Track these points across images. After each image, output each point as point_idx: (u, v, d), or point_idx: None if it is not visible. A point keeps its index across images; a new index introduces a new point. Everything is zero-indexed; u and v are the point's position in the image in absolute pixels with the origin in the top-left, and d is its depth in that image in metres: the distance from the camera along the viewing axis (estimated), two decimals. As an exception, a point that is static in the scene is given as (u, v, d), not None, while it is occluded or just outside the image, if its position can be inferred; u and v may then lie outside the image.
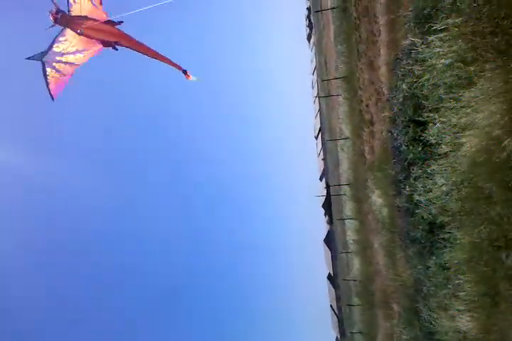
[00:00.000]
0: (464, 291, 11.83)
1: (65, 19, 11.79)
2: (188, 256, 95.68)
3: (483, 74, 10.13)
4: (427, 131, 12.13)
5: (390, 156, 16.50)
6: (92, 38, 12.29)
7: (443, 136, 11.42)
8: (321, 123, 45.86)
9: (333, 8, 25.85)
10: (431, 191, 12.22)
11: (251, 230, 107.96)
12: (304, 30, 67.71)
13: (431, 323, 13.88)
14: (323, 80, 33.64)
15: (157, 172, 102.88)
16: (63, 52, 11.92)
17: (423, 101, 12.34)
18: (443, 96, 11.37)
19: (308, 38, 62.90)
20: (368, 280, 23.16)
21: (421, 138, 12.49)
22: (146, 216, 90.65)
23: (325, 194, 39.22)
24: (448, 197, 11.64)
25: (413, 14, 13.27)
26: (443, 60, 11.28)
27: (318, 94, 42.24)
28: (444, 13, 11.42)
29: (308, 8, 60.26)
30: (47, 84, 11.69)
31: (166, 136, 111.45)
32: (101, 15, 12.41)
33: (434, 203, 12.33)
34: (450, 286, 12.55)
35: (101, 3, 12.42)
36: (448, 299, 12.60)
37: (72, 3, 11.97)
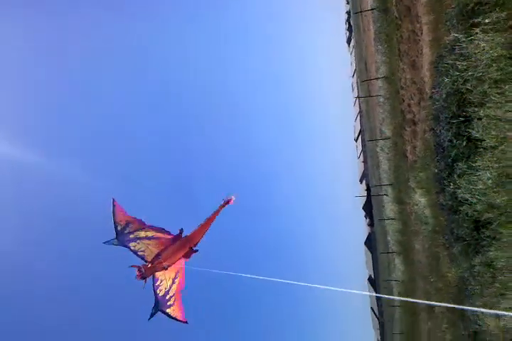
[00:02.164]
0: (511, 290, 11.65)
1: (148, 269, 12.49)
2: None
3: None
4: (471, 126, 12.03)
5: (432, 154, 16.37)
6: (176, 262, 13.01)
7: (488, 130, 11.32)
8: (361, 124, 45.59)
9: (373, 9, 25.76)
10: (476, 186, 12.09)
11: (290, 231, 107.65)
12: (344, 34, 67.63)
13: (476, 323, 13.67)
14: (362, 81, 33.49)
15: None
16: (167, 290, 12.78)
17: (467, 97, 12.25)
18: (488, 90, 11.29)
19: (348, 41, 62.76)
20: (410, 281, 22.87)
21: (465, 133, 12.39)
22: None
23: (365, 195, 38.89)
24: (494, 192, 11.50)
25: (456, 11, 13.19)
26: (488, 55, 11.22)
27: (358, 95, 41.97)
28: (487, 8, 11.37)
29: (348, 12, 60.16)
30: (176, 319, 12.46)
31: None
32: (165, 238, 13.17)
33: (479, 199, 12.19)
34: (497, 285, 12.35)
35: (156, 229, 13.22)
36: (494, 297, 12.39)
37: (143, 253, 12.80)
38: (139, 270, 12.33)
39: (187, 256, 13.09)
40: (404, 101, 21.48)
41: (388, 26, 23.11)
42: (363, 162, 46.67)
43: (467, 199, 12.64)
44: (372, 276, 41.08)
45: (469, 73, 12.03)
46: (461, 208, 13.29)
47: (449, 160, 13.54)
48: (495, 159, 11.31)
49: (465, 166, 12.52)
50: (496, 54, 10.99)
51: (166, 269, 12.69)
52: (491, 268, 12.42)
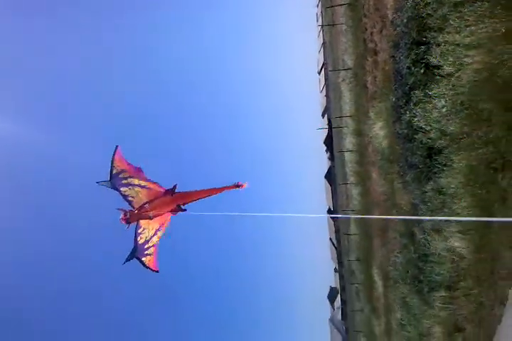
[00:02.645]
0: (459, 214, 12.04)
1: (134, 215, 12.62)
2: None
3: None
4: (429, 53, 11.85)
5: (391, 84, 16.26)
6: (162, 214, 13.14)
7: (446, 56, 11.18)
8: (324, 56, 44.81)
9: (343, 4, 24.47)
10: (430, 114, 12.13)
11: (252, 167, 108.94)
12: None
13: (425, 245, 14.27)
14: (326, 7, 32.47)
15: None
16: (147, 239, 12.93)
17: (427, 21, 11.97)
18: (447, 14, 11.02)
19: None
20: (367, 210, 23.57)
21: (424, 60, 12.22)
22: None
23: (326, 128, 39.05)
24: (447, 120, 11.58)
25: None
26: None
27: (322, 24, 40.88)
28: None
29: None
30: (147, 267, 12.71)
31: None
32: (157, 190, 13.32)
33: (433, 127, 12.29)
34: (446, 210, 12.74)
35: (151, 181, 13.37)
36: (443, 220, 12.82)
37: (132, 199, 12.91)
38: (125, 214, 12.61)
39: (174, 211, 13.40)
40: (367, 29, 20.98)
41: (356, 17, 22.15)
42: (326, 96, 46.38)
43: (422, 127, 12.73)
44: (331, 208, 42.22)
45: (430, -4, 11.70)
46: (415, 136, 13.41)
47: (407, 88, 13.47)
48: (451, 86, 11.26)
49: (422, 94, 12.48)
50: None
51: (151, 219, 13.00)
52: (441, 195, 12.77)
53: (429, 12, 11.72)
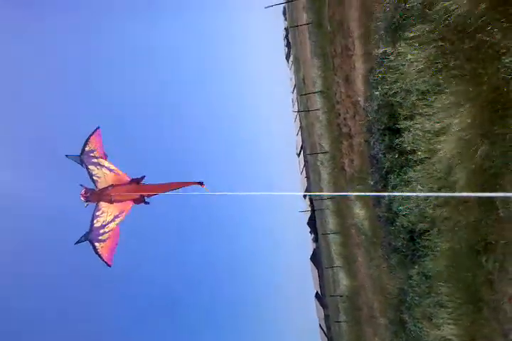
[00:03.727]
0: (448, 299, 11.67)
1: (95, 195, 12.75)
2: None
3: (453, 79, 10.20)
4: (402, 139, 12.12)
5: (368, 167, 16.49)
6: (123, 201, 13.28)
7: (418, 142, 11.41)
8: (302, 139, 45.99)
9: (308, 23, 26.12)
10: (409, 198, 12.14)
11: (238, 248, 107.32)
12: (283, 50, 68.56)
13: (417, 333, 13.66)
14: (301, 95, 33.86)
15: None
16: (104, 224, 12.88)
17: (397, 109, 12.37)
18: (416, 102, 11.41)
19: (287, 57, 63.57)
20: (354, 295, 22.88)
21: (397, 145, 12.48)
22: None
23: (309, 210, 39.02)
24: (426, 204, 11.57)
25: (383, 24, 13.42)
26: (414, 67, 11.36)
27: (298, 110, 42.45)
28: (412, 21, 11.55)
29: (286, 29, 61.14)
30: (100, 256, 12.48)
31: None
32: (124, 179, 13.53)
33: (412, 211, 12.26)
34: (433, 295, 12.38)
35: (119, 169, 13.67)
36: (432, 308, 12.41)
37: (97, 179, 13.08)
38: (86, 191, 12.58)
39: (137, 202, 13.34)
40: (340, 115, 21.70)
41: (323, 41, 23.47)
42: (306, 177, 46.98)
43: (401, 211, 12.70)
44: (319, 292, 41.07)
45: (398, 85, 12.16)
46: (396, 219, 13.34)
47: (383, 172, 13.62)
48: (426, 171, 11.38)
49: (398, 178, 12.59)
50: (422, 66, 11.13)
51: (112, 203, 12.90)
52: (427, 279, 12.46)
53: (398, 100, 12.13)
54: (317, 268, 41.67)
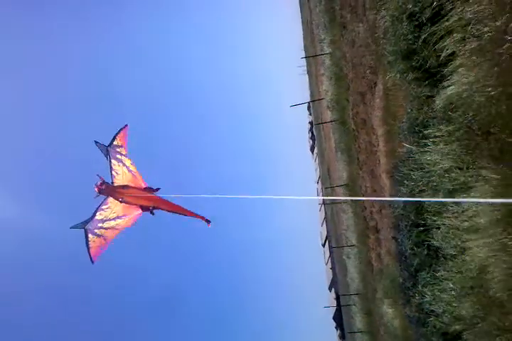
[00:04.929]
0: None
1: (108, 189, 12.87)
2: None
3: (480, 178, 10.33)
4: (430, 235, 12.04)
5: (396, 262, 16.18)
6: (132, 204, 13.31)
7: (447, 239, 11.31)
8: (327, 230, 45.69)
9: (332, 121, 27.18)
10: (440, 297, 11.77)
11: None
12: (307, 142, 70.63)
13: None
14: (326, 188, 34.22)
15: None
16: (105, 219, 12.90)
17: (424, 205, 12.43)
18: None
19: (312, 149, 65.27)
20: None
21: (425, 242, 12.36)
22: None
23: (335, 305, 37.70)
24: (459, 303, 11.17)
25: (407, 124, 13.92)
26: (439, 166, 11.59)
27: (323, 201, 42.72)
28: (436, 121, 12.00)
29: (311, 122, 63.50)
30: (88, 249, 12.35)
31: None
32: (140, 184, 13.66)
33: (445, 311, 11.80)
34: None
35: (139, 173, 13.88)
36: None
37: (115, 175, 13.23)
38: (102, 183, 12.49)
39: (144, 209, 13.18)
40: (366, 208, 21.78)
41: (347, 137, 24.23)
42: (331, 268, 46.01)
43: (433, 311, 12.24)
44: None
45: (424, 182, 12.33)
46: (428, 320, 12.81)
47: (412, 269, 13.35)
48: (456, 269, 11.15)
49: (428, 276, 12.32)
50: (447, 165, 11.35)
51: (120, 202, 12.78)
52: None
53: (425, 197, 12.23)
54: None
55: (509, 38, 8.20)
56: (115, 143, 13.29)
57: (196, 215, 12.99)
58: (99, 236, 12.58)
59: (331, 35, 25.02)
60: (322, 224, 52.07)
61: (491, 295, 10.02)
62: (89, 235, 12.31)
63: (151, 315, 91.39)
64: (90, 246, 12.29)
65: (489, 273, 10.17)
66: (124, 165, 13.36)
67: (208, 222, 12.77)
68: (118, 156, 13.28)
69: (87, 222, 12.34)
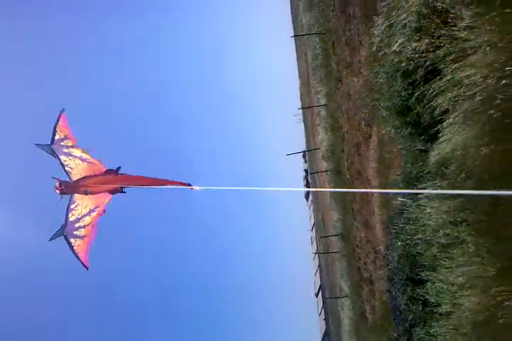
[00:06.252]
0: None
1: (69, 187, 12.44)
2: None
3: (474, 234, 10.44)
4: (425, 290, 11.99)
5: (391, 316, 15.98)
6: (100, 193, 12.86)
7: (442, 295, 11.27)
8: (321, 280, 45.13)
9: (327, 170, 27.51)
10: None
11: None
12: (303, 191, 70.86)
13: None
14: (321, 237, 34.16)
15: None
16: (79, 217, 12.49)
17: (419, 260, 12.44)
18: (438, 254, 11.52)
19: (307, 196, 65.43)
20: None
21: (420, 297, 12.29)
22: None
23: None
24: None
25: (401, 177, 14.17)
26: (434, 220, 11.70)
27: (317, 250, 42.48)
28: (430, 176, 12.21)
29: (306, 170, 64.08)
30: (76, 256, 12.08)
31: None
32: (99, 169, 13.23)
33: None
34: None
35: (96, 158, 13.41)
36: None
37: (70, 170, 12.77)
38: (60, 184, 11.91)
39: (113, 192, 12.60)
40: (360, 259, 21.70)
41: (342, 187, 24.42)
42: (324, 319, 45.10)
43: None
44: None
45: (419, 236, 12.39)
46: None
47: (407, 324, 13.19)
48: (452, 325, 11.06)
49: (422, 332, 12.18)
50: (442, 219, 11.47)
51: (87, 195, 12.18)
52: None
53: (419, 251, 12.27)
54: None
55: (500, 97, 8.53)
56: (57, 137, 12.66)
57: (173, 182, 12.38)
58: (80, 237, 12.18)
59: (326, 87, 25.77)
60: (316, 273, 51.47)
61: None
62: (71, 239, 11.94)
63: (142, 315, 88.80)
64: (76, 251, 11.93)
65: (482, 329, 10.12)
66: (75, 157, 12.75)
67: (189, 185, 11.87)
68: (65, 150, 12.67)
69: (62, 227, 11.97)
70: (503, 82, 8.23)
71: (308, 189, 41.48)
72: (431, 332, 11.77)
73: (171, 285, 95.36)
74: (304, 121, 45.56)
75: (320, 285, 47.12)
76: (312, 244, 55.70)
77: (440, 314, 11.45)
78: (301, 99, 46.75)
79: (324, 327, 45.82)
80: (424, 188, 12.42)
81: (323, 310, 46.49)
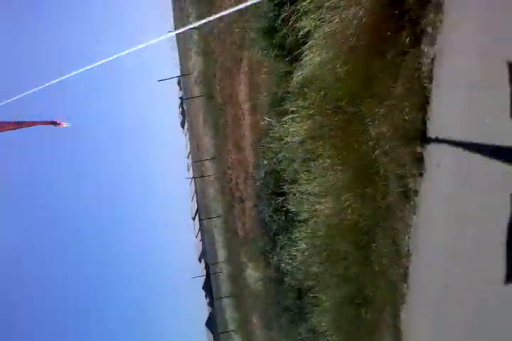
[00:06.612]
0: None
1: None
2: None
3: (329, 148, 11.51)
4: (287, 202, 13.14)
5: (258, 229, 17.34)
6: None
7: (301, 204, 12.47)
8: (197, 204, 46.46)
9: (201, 95, 27.60)
10: (295, 257, 12.99)
11: (134, 314, 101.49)
12: (178, 118, 70.24)
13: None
14: (194, 161, 34.82)
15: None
16: None
17: (282, 175, 13.48)
18: (298, 169, 12.60)
19: (182, 125, 65.15)
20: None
21: (283, 208, 13.45)
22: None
23: (204, 275, 38.87)
24: (310, 261, 12.47)
25: (268, 99, 14.84)
26: (296, 138, 12.63)
27: (193, 175, 43.33)
28: (293, 97, 12.97)
29: (181, 97, 63.18)
30: None
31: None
32: None
33: (298, 269, 13.08)
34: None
35: None
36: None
37: None
38: None
39: None
40: (232, 180, 22.74)
41: (214, 111, 24.84)
42: (201, 241, 47.06)
43: (288, 270, 13.48)
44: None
45: (282, 154, 13.36)
46: (285, 279, 14.09)
47: (271, 234, 14.49)
48: (309, 231, 12.38)
49: (285, 239, 13.48)
50: (302, 137, 12.41)
51: None
52: (314, 334, 13.13)
53: (283, 167, 13.28)
54: (212, 334, 40.88)
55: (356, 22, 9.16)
56: None
57: (38, 122, 11.83)
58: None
59: (198, 9, 25.20)
60: (192, 198, 52.70)
61: (337, 250, 11.37)
62: None
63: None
64: None
65: (334, 231, 11.50)
66: None
67: (54, 123, 11.55)
68: None
69: None
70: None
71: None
72: (292, 237, 13.08)
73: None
74: (177, 46, 44.31)
75: (196, 209, 48.54)
76: (189, 170, 56.50)
77: (300, 221, 12.74)
78: (175, 25, 45.09)
79: (201, 248, 47.88)
80: (287, 109, 13.22)
81: (199, 232, 48.34)
